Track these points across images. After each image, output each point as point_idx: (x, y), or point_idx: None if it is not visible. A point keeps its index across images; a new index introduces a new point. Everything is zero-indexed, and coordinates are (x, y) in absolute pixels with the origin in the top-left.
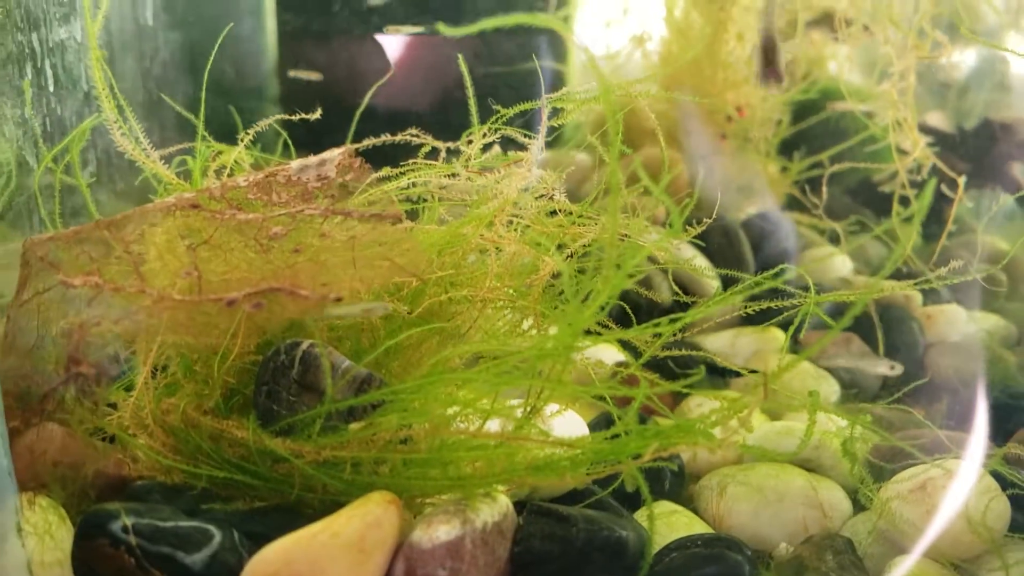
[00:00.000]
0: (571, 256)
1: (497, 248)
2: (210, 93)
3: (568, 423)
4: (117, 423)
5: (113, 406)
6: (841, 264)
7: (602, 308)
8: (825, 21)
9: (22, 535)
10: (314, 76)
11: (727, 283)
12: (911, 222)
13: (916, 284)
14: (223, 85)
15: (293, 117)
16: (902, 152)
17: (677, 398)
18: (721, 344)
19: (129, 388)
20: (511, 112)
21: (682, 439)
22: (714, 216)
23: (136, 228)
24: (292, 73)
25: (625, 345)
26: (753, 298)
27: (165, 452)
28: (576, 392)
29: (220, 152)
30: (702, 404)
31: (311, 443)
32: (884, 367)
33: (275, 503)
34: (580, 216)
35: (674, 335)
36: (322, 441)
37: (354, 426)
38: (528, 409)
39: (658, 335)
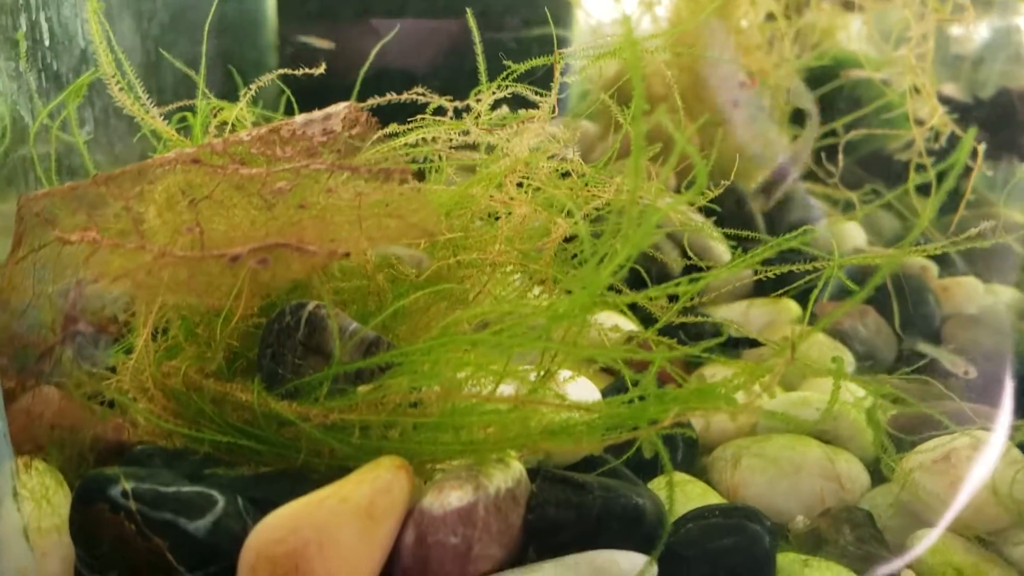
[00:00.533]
0: (585, 218)
1: (508, 210)
2: (208, 58)
3: (581, 389)
4: (116, 387)
5: (112, 369)
6: (856, 234)
7: (620, 268)
8: None
9: (18, 500)
10: (325, 44)
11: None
12: (928, 191)
13: (940, 249)
14: (222, 51)
15: (296, 72)
16: (918, 122)
17: (689, 368)
18: (733, 315)
19: (129, 351)
20: (520, 68)
21: (703, 404)
22: (729, 182)
23: (135, 184)
24: (304, 40)
25: (636, 314)
26: (769, 265)
27: (166, 416)
28: (592, 355)
29: (221, 108)
30: (716, 374)
31: (318, 406)
32: (960, 367)
33: (280, 468)
34: (593, 179)
35: (691, 299)
36: (330, 404)
37: (362, 389)
38: (542, 373)
39: (675, 298)
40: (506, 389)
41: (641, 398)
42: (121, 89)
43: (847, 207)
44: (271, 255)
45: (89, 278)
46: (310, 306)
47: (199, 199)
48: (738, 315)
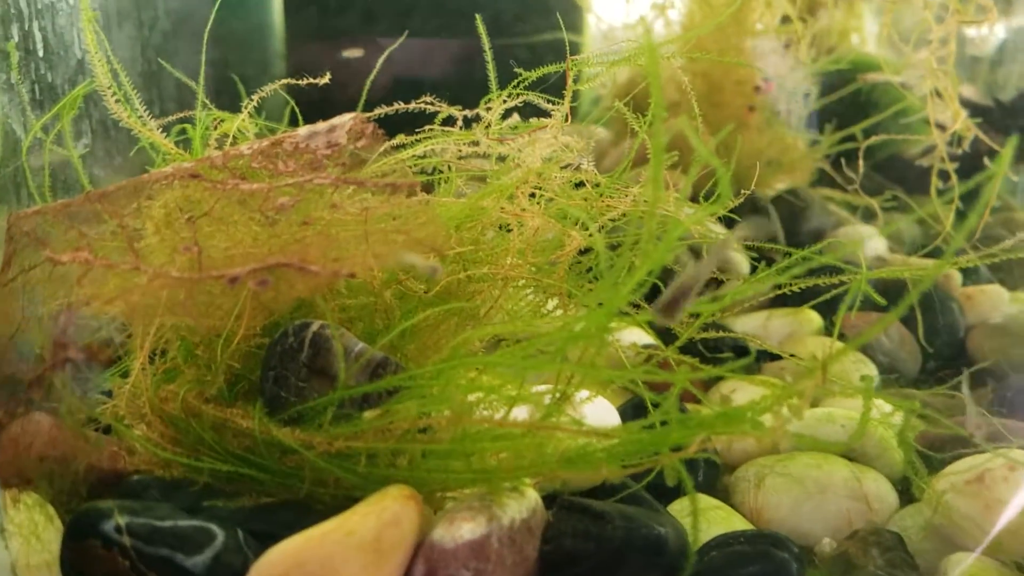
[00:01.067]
0: (601, 230)
1: (519, 222)
2: (212, 67)
3: (598, 410)
4: (112, 412)
5: (108, 394)
6: (876, 242)
7: (640, 285)
8: None
9: (5, 536)
10: (357, 53)
11: (758, 262)
12: (949, 196)
13: (972, 262)
14: (227, 61)
15: (301, 82)
16: (939, 126)
17: (707, 383)
18: (752, 326)
19: (125, 374)
20: (532, 76)
21: (729, 429)
22: (750, 191)
23: (131, 201)
24: (344, 55)
25: (654, 326)
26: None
27: (164, 444)
28: (611, 377)
29: (222, 120)
30: (736, 389)
31: (322, 433)
32: (972, 422)
33: (283, 499)
34: (608, 189)
35: (712, 315)
36: (334, 431)
37: (369, 414)
38: (558, 396)
39: (695, 315)
40: (520, 413)
41: (663, 423)
42: (118, 101)
43: (866, 215)
44: (273, 275)
45: (82, 300)
46: (314, 326)
47: (198, 216)
48: (758, 326)
